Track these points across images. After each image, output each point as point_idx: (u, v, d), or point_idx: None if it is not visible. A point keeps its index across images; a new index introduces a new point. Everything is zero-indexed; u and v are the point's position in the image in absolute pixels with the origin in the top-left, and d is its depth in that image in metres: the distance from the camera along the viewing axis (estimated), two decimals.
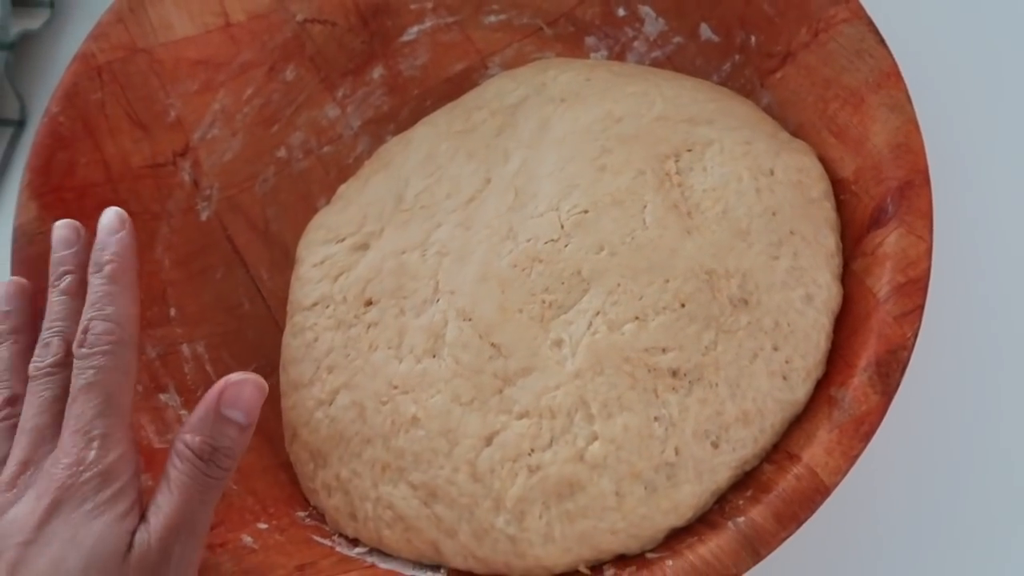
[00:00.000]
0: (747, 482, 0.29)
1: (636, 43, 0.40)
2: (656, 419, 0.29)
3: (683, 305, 0.30)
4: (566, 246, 0.31)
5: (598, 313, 0.30)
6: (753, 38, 0.37)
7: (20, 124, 0.43)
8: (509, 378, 0.30)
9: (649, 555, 0.28)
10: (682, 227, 0.31)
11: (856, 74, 0.34)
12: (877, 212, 0.32)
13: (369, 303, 0.33)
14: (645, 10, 0.40)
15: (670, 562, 0.28)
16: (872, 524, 0.33)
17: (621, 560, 0.29)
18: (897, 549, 0.32)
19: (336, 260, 0.35)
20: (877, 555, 0.32)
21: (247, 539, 0.30)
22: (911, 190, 0.32)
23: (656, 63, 0.39)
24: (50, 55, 0.44)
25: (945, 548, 0.32)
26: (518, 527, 0.29)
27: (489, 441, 0.30)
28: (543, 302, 0.31)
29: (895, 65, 0.33)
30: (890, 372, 0.29)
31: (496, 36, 0.40)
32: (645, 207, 0.31)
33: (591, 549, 0.29)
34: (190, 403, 0.34)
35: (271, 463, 0.34)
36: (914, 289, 0.30)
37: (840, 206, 0.34)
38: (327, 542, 0.31)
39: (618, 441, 0.29)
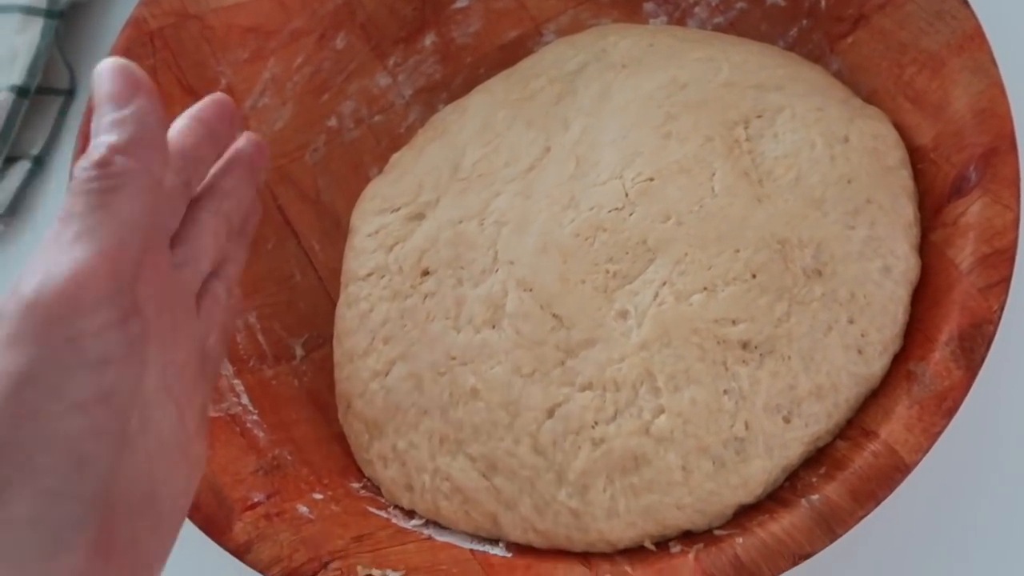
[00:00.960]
0: (820, 459, 0.28)
1: (697, 9, 0.39)
2: (725, 392, 0.28)
3: (754, 276, 0.29)
4: (631, 215, 0.30)
5: (665, 283, 0.29)
6: (822, 1, 0.36)
7: (70, 93, 0.43)
8: (572, 349, 0.29)
9: (717, 532, 0.27)
10: (753, 195, 0.30)
11: (936, 37, 0.32)
12: (959, 181, 0.31)
13: (425, 273, 0.32)
14: None
15: (740, 539, 0.27)
16: (952, 504, 0.31)
17: (687, 536, 0.28)
18: (978, 530, 0.31)
19: (391, 230, 0.34)
20: (957, 536, 0.31)
21: (303, 509, 0.29)
22: (996, 157, 0.30)
23: (718, 29, 0.38)
24: (99, 24, 0.43)
25: None
26: (581, 500, 0.28)
27: (551, 413, 0.29)
28: (607, 272, 0.30)
29: (979, 26, 0.32)
30: (974, 347, 0.28)
31: (551, 3, 0.39)
32: (714, 175, 0.30)
33: (656, 524, 0.28)
34: (242, 372, 0.33)
35: (325, 434, 0.33)
36: (1000, 260, 0.29)
37: (917, 175, 0.32)
38: (383, 514, 0.30)
39: (685, 415, 0.28)
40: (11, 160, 0.41)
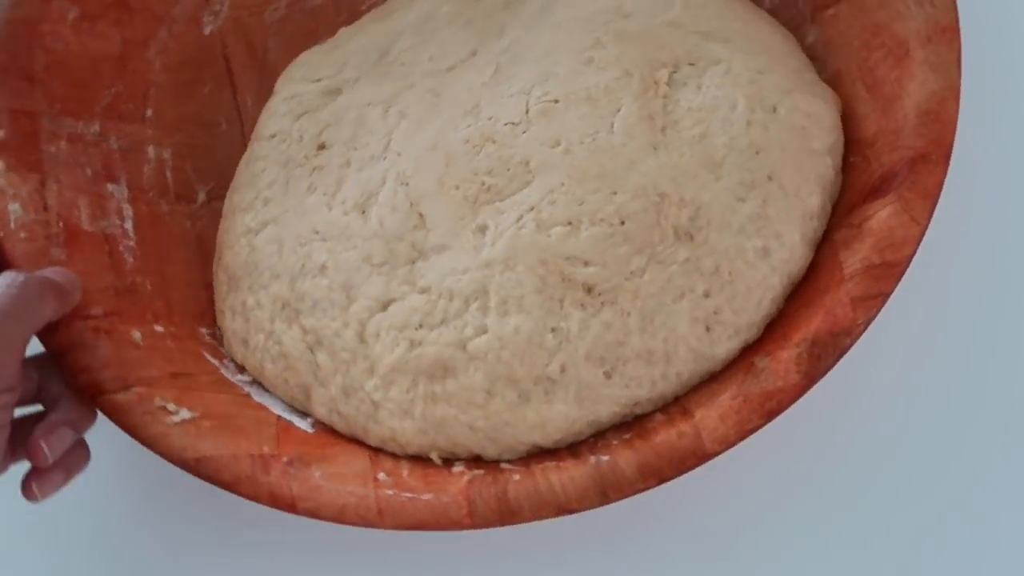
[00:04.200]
0: (632, 425, 0.27)
1: None
2: (552, 331, 0.27)
3: (623, 223, 0.27)
4: (524, 132, 0.29)
5: (532, 208, 0.28)
6: None
7: None
8: (424, 252, 0.29)
9: (504, 465, 0.27)
10: (650, 141, 0.28)
11: (910, 22, 0.29)
12: (880, 181, 0.28)
13: (322, 147, 0.32)
14: None
15: (516, 477, 0.26)
16: (751, 498, 0.29)
17: (476, 462, 0.27)
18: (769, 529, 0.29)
19: (305, 99, 0.34)
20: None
21: (136, 335, 0.30)
22: (923, 165, 0.27)
23: None
24: None
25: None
26: (384, 395, 0.28)
27: (385, 307, 0.29)
28: (482, 184, 0.29)
29: (955, 20, 0.28)
30: (823, 355, 0.26)
31: None
32: (618, 111, 0.29)
33: (447, 439, 0.27)
34: (137, 201, 0.34)
35: (198, 279, 0.33)
36: (885, 274, 0.26)
37: (847, 168, 0.30)
38: (215, 362, 0.31)
39: (505, 340, 0.27)
40: None
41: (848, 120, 0.30)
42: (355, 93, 0.33)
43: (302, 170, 0.32)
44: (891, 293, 0.26)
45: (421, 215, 0.29)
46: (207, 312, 0.33)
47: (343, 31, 0.36)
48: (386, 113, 0.31)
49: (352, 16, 0.38)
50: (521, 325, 0.27)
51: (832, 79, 0.32)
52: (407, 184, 0.30)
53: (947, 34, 0.28)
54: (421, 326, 0.28)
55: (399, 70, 0.33)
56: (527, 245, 0.28)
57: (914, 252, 0.26)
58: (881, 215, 0.27)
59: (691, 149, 0.28)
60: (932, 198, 0.27)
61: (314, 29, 0.38)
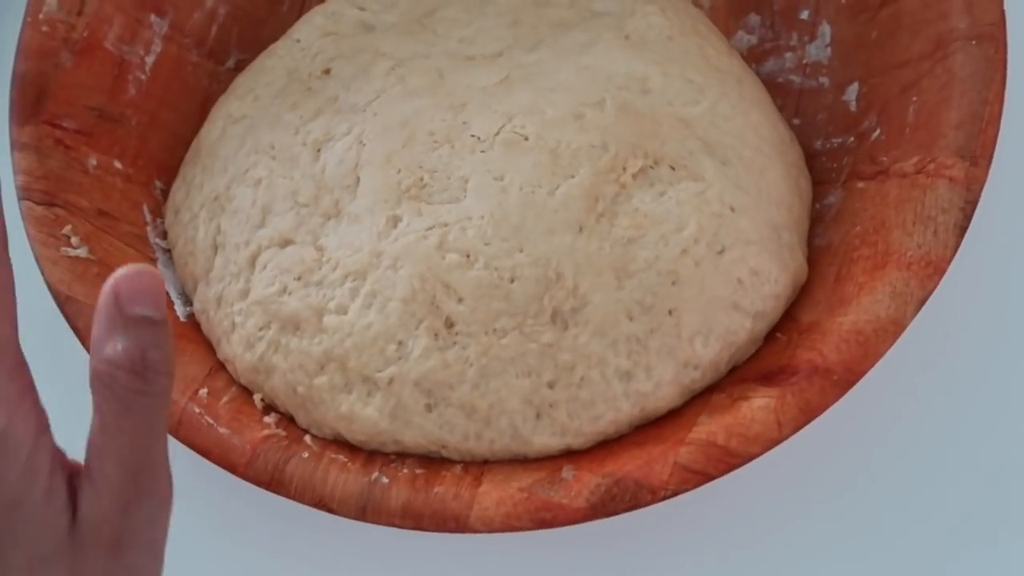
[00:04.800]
0: (434, 463, 0.27)
1: (787, 55, 0.34)
2: (399, 343, 0.27)
3: (512, 280, 0.27)
4: (482, 152, 0.29)
5: (446, 225, 0.28)
6: (878, 132, 0.30)
7: None
8: (340, 214, 0.29)
9: (307, 438, 0.28)
10: (579, 220, 0.27)
11: (905, 239, 0.27)
12: (779, 371, 0.27)
13: (326, 72, 0.33)
14: (823, 30, 0.33)
15: (306, 455, 0.27)
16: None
17: (289, 420, 0.29)
18: None
19: (341, 20, 0.34)
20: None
21: (92, 161, 0.32)
22: (821, 380, 0.26)
23: (784, 85, 0.33)
24: None
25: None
26: (242, 320, 0.29)
27: (283, 245, 0.30)
28: (420, 179, 0.29)
29: (947, 259, 0.26)
30: (618, 498, 0.25)
31: None
32: (572, 177, 0.28)
33: (271, 388, 0.29)
34: (172, 41, 0.35)
35: (183, 133, 0.34)
36: (719, 459, 0.25)
37: (769, 341, 0.28)
38: (148, 217, 0.33)
39: (355, 329, 0.28)
40: None
41: (801, 296, 0.29)
42: (381, 38, 0.33)
43: (299, 85, 0.33)
44: (715, 478, 0.25)
45: (357, 178, 0.30)
46: (174, 168, 0.35)
47: None
48: (390, 71, 0.32)
49: None
50: (375, 324, 0.28)
51: (820, 248, 0.30)
52: (363, 145, 0.30)
53: (928, 269, 0.26)
54: (299, 278, 0.29)
55: (427, 36, 0.33)
56: (420, 255, 0.28)
57: (759, 455, 0.25)
58: (755, 403, 0.26)
59: (612, 248, 0.27)
60: (808, 415, 0.25)
61: None
